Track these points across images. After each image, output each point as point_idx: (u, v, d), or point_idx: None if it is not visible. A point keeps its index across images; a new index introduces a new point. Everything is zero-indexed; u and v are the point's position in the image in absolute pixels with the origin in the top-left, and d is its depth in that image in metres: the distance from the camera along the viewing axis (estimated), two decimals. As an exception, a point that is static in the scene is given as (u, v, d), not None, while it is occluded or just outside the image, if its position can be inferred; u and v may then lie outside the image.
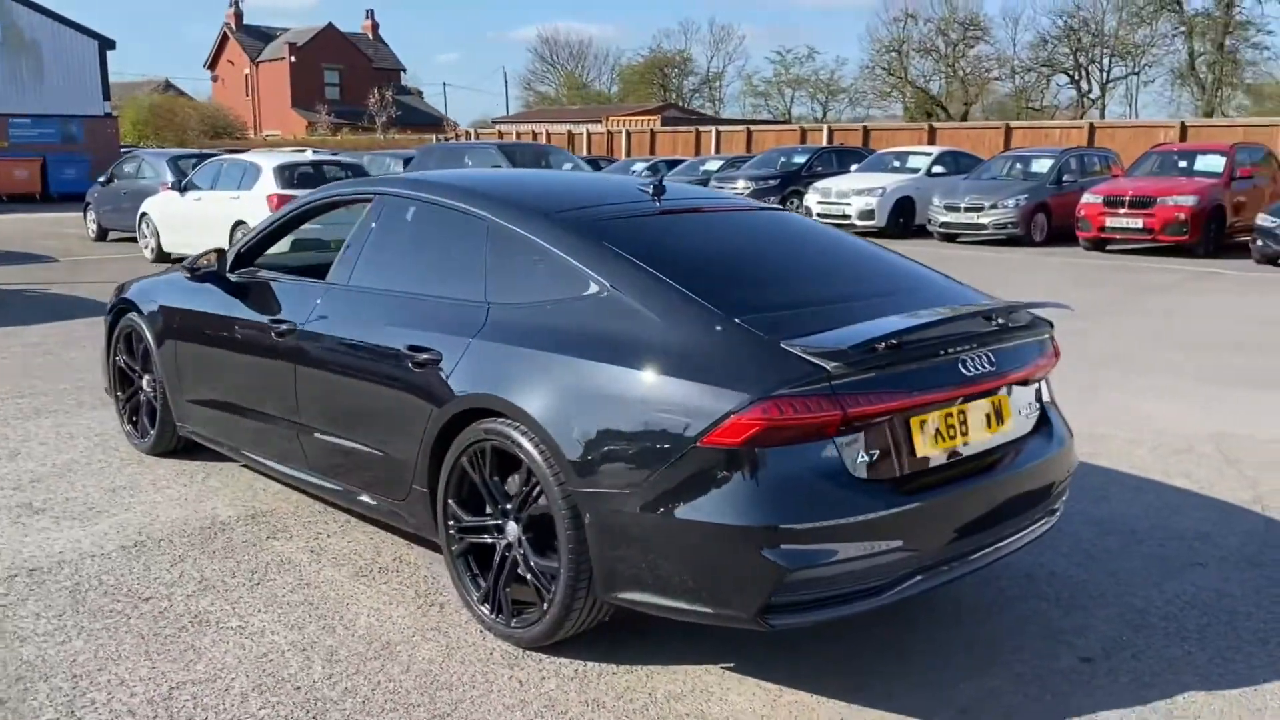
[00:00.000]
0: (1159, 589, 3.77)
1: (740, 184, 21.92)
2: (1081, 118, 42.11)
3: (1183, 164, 17.84)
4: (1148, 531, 4.33)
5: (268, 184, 12.08)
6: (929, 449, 3.00)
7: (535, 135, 36.39)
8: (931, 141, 25.71)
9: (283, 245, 5.20)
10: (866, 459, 2.86)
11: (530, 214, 3.60)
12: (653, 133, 32.72)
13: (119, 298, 5.42)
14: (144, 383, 5.34)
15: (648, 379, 2.94)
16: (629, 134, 33.41)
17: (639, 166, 26.18)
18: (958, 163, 21.46)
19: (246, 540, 4.21)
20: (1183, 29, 40.40)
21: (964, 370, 3.06)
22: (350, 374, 3.87)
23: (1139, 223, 16.35)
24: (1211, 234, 16.45)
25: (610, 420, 2.97)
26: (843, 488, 2.80)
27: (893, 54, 45.88)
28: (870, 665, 3.19)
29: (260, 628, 3.45)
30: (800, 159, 23.11)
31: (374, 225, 4.08)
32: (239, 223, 12.43)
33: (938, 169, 20.86)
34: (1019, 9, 78.81)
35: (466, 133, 39.36)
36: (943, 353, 3.02)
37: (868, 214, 19.56)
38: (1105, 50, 42.56)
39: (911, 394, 2.92)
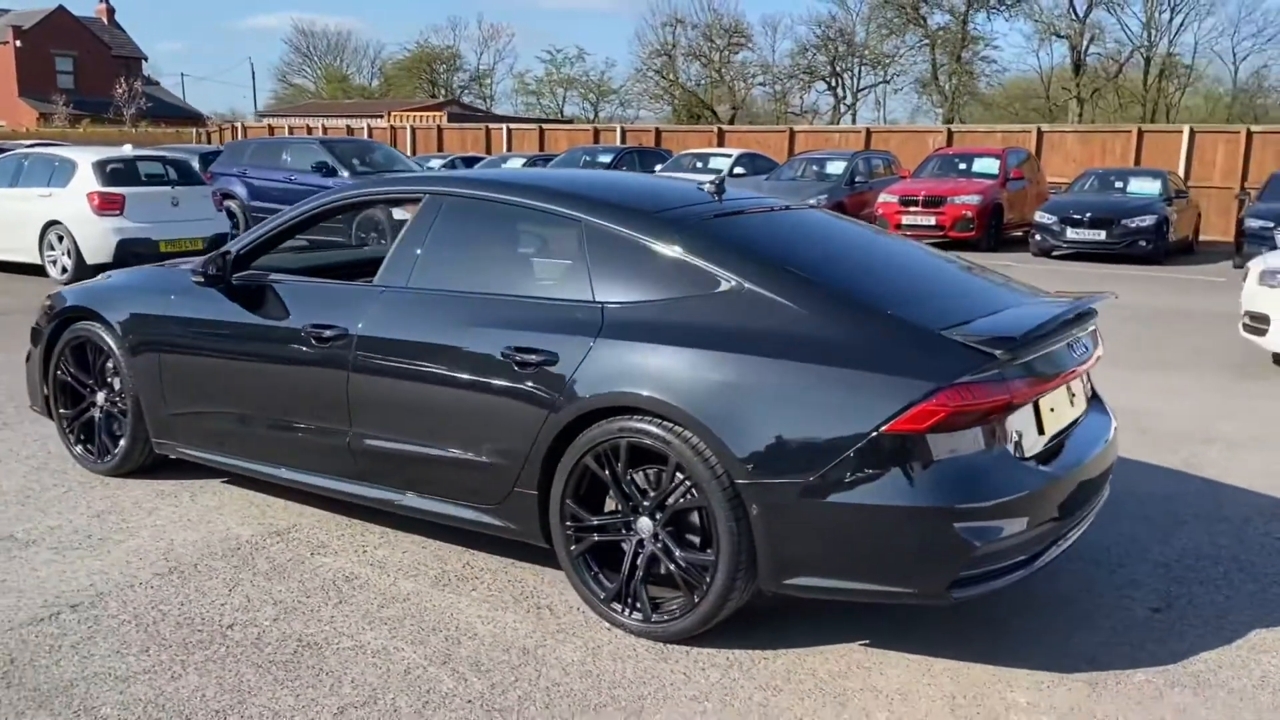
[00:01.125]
0: (1167, 545, 4.25)
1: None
2: (838, 122, 44.95)
3: (962, 166, 19.52)
4: (1122, 498, 4.84)
5: (87, 181, 11.07)
6: (1050, 428, 3.30)
7: (310, 129, 34.89)
8: (720, 144, 26.70)
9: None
10: (1016, 438, 3.12)
11: (630, 215, 3.63)
12: (440, 129, 32.14)
13: (63, 306, 4.93)
14: (99, 398, 4.89)
15: (813, 371, 3.07)
16: (414, 130, 32.68)
17: (435, 164, 25.70)
18: (755, 164, 22.46)
19: (291, 559, 3.99)
20: (926, 41, 43.90)
21: (1071, 355, 3.38)
22: (427, 379, 3.75)
23: (932, 220, 17.75)
24: (993, 230, 18.09)
25: (779, 412, 3.07)
26: (1008, 466, 3.04)
27: (664, 58, 47.21)
28: (987, 631, 3.45)
29: (381, 645, 3.31)
30: (605, 158, 23.39)
31: (433, 226, 3.96)
32: (51, 223, 11.33)
33: (739, 170, 21.72)
34: (778, 17, 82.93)
35: (234, 127, 37.15)
36: (1061, 340, 3.32)
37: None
38: (858, 59, 45.59)
39: (1046, 378, 3.20)
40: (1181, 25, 44.37)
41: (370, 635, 3.38)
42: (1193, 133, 22.58)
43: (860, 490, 2.98)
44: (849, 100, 46.50)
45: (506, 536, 3.75)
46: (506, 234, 3.92)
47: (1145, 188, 17.82)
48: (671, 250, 3.47)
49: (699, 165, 22.17)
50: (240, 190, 15.15)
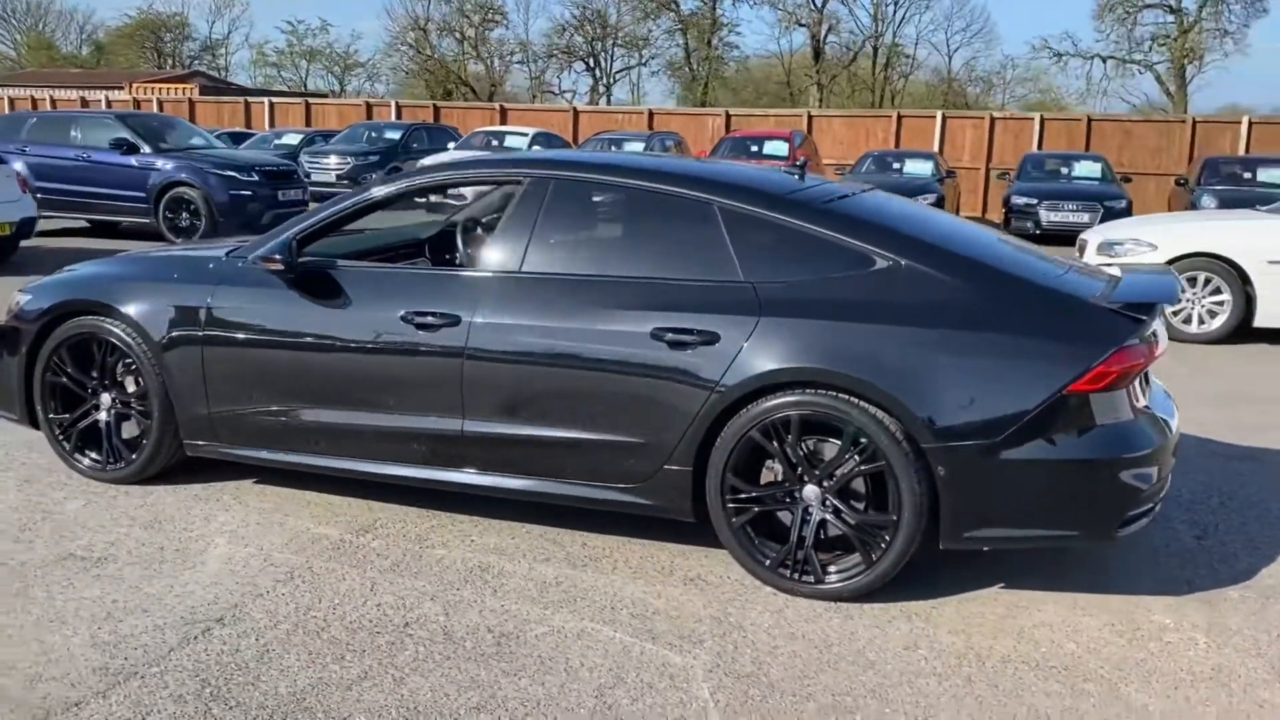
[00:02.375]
0: (1182, 485, 4.81)
1: (333, 159, 21.23)
2: (596, 103, 45.56)
3: (754, 149, 20.47)
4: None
5: None
6: (1147, 392, 3.75)
7: (36, 102, 31.56)
8: (503, 122, 26.55)
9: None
10: (1140, 398, 3.55)
11: (766, 198, 3.77)
12: (192, 102, 29.94)
13: (53, 302, 4.44)
14: (104, 400, 4.47)
15: (989, 339, 3.36)
16: (160, 103, 30.26)
17: (197, 141, 24.00)
18: (550, 143, 22.56)
19: (405, 554, 3.86)
20: (680, 26, 45.32)
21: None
22: (561, 364, 3.74)
23: (735, 199, 18.54)
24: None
25: (961, 380, 3.34)
26: (1147, 421, 3.47)
27: (417, 32, 46.08)
28: (1085, 569, 3.88)
29: (577, 628, 3.33)
30: (394, 135, 22.76)
31: (542, 209, 3.92)
32: None
33: (536, 148, 21.77)
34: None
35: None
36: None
37: (479, 191, 19.92)
38: (613, 41, 46.39)
39: (1158, 342, 3.65)
40: (904, 18, 48.20)
41: (558, 619, 3.38)
42: (945, 118, 24.77)
43: (1042, 447, 3.31)
44: (607, 82, 47.29)
45: (646, 514, 3.82)
46: (628, 216, 3.95)
47: (919, 169, 19.45)
48: (819, 230, 3.65)
49: (495, 144, 22.05)
50: (20, 168, 13.61)
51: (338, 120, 28.04)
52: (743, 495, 3.61)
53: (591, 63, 46.60)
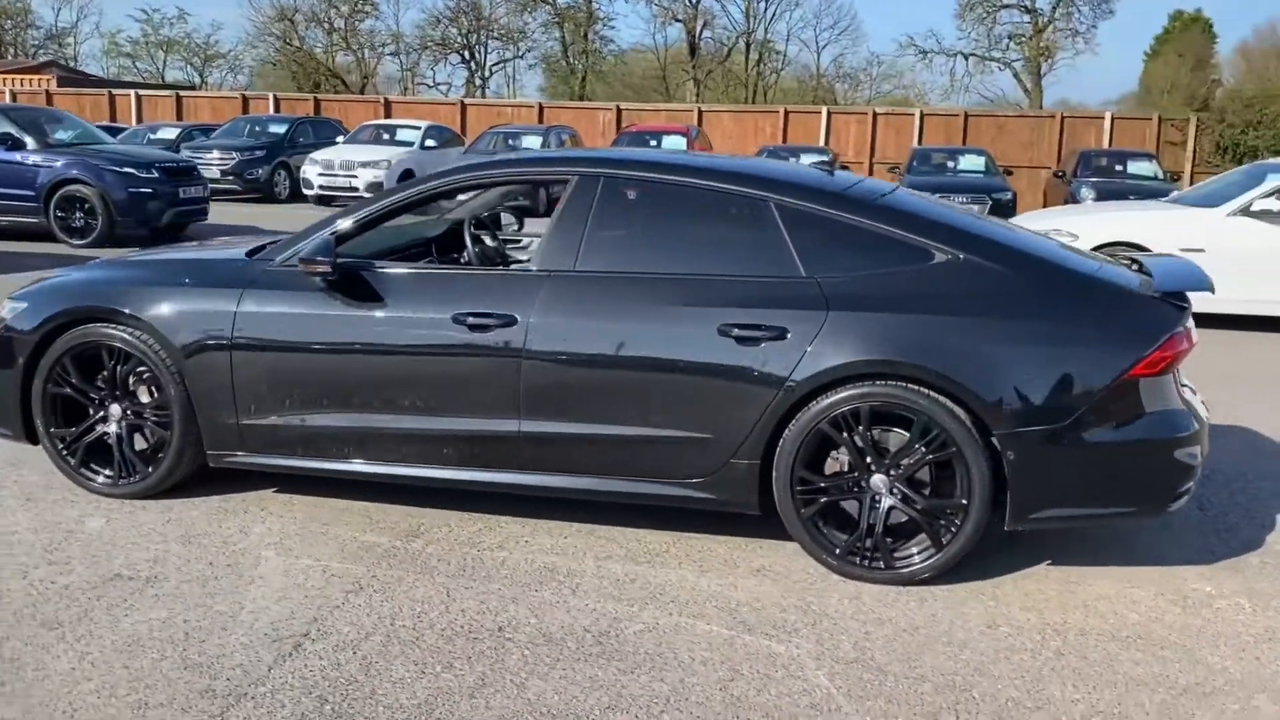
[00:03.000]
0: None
1: (216, 154, 20.44)
2: (473, 95, 45.05)
3: (653, 143, 20.66)
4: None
5: None
6: (1176, 374, 4.00)
7: None
8: (388, 115, 25.96)
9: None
10: (1181, 380, 3.78)
11: (821, 195, 3.86)
12: (49, 94, 28.28)
13: (56, 309, 4.20)
14: (113, 411, 4.25)
15: (1050, 328, 3.53)
16: (14, 94, 28.52)
17: (63, 135, 22.74)
18: (442, 136, 22.27)
19: (467, 558, 3.81)
20: (556, 19, 45.17)
21: None
22: (624, 363, 3.75)
23: (638, 193, 18.65)
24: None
25: (1028, 368, 3.49)
26: (1187, 405, 3.69)
27: (284, 22, 44.59)
28: (1112, 545, 4.11)
29: (671, 623, 3.35)
30: (278, 129, 22.06)
31: (593, 208, 3.91)
32: None
33: (430, 142, 21.44)
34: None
35: None
36: None
37: (376, 186, 19.48)
38: (488, 34, 45.91)
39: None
40: (775, 15, 49.18)
41: (647, 616, 3.40)
42: (830, 114, 25.43)
43: (1105, 429, 3.50)
44: (483, 75, 46.77)
45: (708, 509, 3.87)
46: (681, 214, 3.97)
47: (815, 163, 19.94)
48: (877, 226, 3.75)
49: (386, 137, 21.62)
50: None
51: (210, 114, 27.00)
52: (812, 486, 3.69)
53: (467, 55, 46.00)
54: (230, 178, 20.02)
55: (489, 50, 46.97)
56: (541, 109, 26.18)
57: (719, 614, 3.43)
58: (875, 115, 25.12)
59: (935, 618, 3.44)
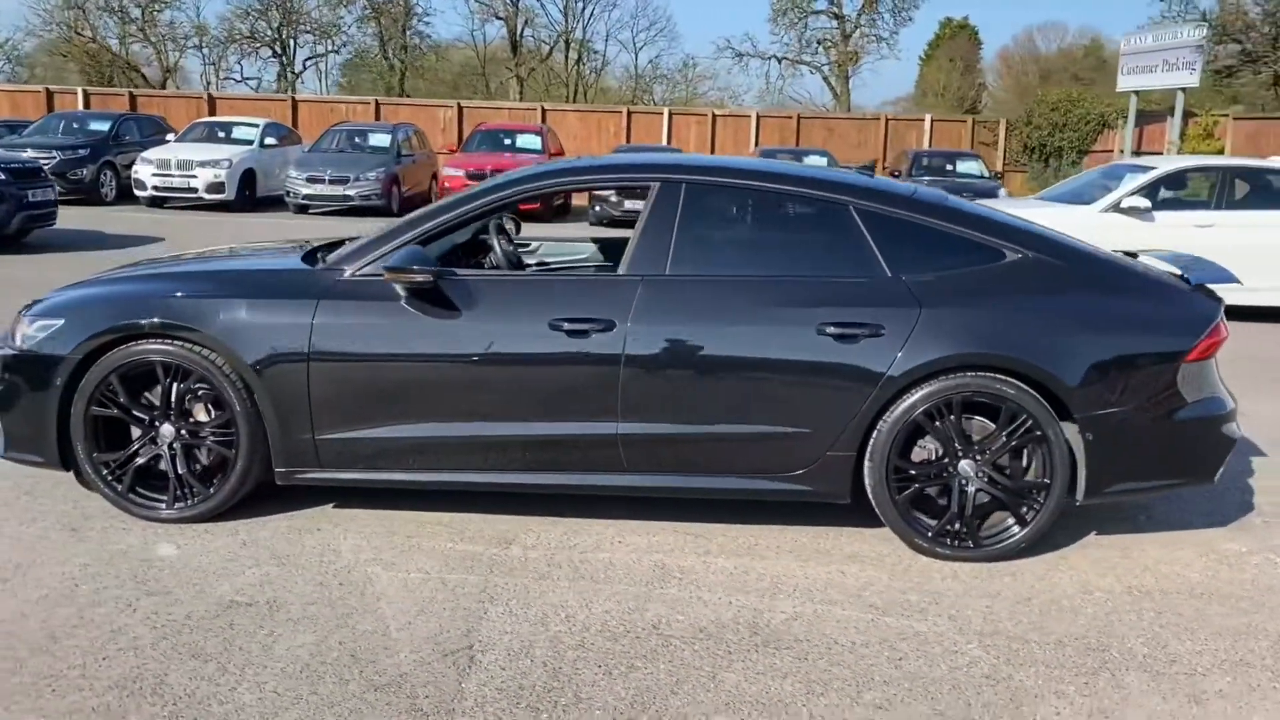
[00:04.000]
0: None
1: (31, 154, 18.93)
2: (286, 91, 43.32)
3: (508, 141, 20.58)
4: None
5: None
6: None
7: None
8: (212, 112, 24.71)
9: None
10: (1207, 364, 4.24)
11: (894, 198, 4.10)
12: None
13: (106, 324, 3.93)
14: (164, 432, 4.03)
15: (1119, 320, 3.89)
16: None
17: None
18: (279, 133, 21.41)
19: (578, 562, 3.84)
20: (371, 13, 43.95)
21: None
22: (725, 363, 3.86)
23: (500, 193, 18.55)
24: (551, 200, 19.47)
25: (1102, 355, 3.83)
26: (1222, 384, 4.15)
27: (75, 11, 41.46)
28: (1132, 510, 4.55)
29: (811, 611, 3.51)
30: (101, 126, 20.61)
31: (679, 213, 4.00)
32: None
33: (270, 140, 20.59)
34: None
35: None
36: None
37: (217, 187, 18.63)
38: (301, 27, 44.21)
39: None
40: (593, 15, 49.57)
41: (781, 605, 3.55)
42: (671, 114, 25.98)
43: (1167, 409, 3.89)
44: (294, 70, 44.99)
45: (801, 500, 4.05)
46: (765, 218, 4.11)
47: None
48: (951, 227, 4.02)
49: (221, 135, 20.60)
50: None
51: (9, 109, 24.96)
52: (904, 474, 3.92)
53: (279, 49, 44.16)
54: (53, 177, 18.57)
55: (301, 45, 45.26)
56: (378, 106, 25.55)
57: (846, 600, 3.61)
58: (715, 117, 25.85)
59: (1036, 588, 3.74)
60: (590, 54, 51.09)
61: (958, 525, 3.93)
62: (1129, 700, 3.00)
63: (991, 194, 16.78)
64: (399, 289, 3.91)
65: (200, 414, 4.05)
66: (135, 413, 4.02)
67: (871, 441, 3.90)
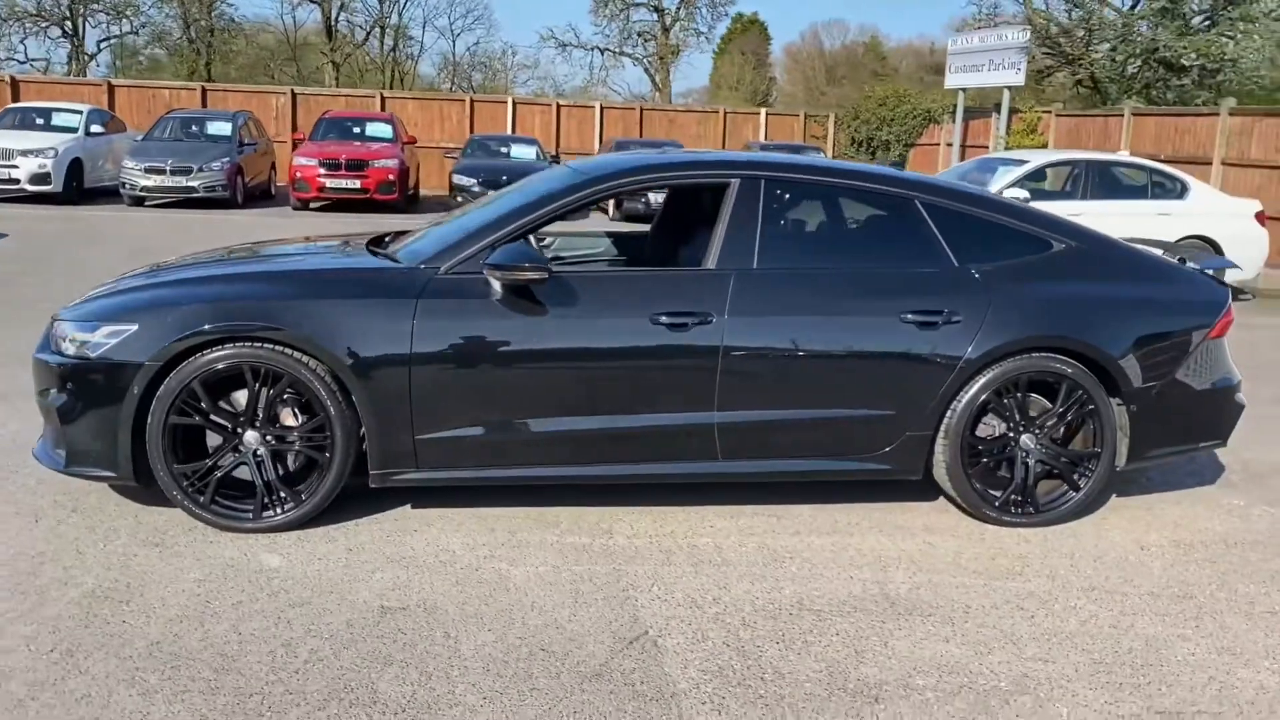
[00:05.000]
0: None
1: None
2: (82, 74, 40.34)
3: (357, 130, 19.97)
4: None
5: None
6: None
7: None
8: (15, 98, 22.80)
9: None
10: (1209, 339, 4.76)
11: (951, 193, 4.40)
12: None
13: (188, 330, 3.74)
14: (248, 439, 3.88)
15: (1153, 304, 4.33)
16: None
17: None
18: (103, 119, 20.03)
19: (686, 546, 3.96)
20: (172, -7, 41.44)
21: None
22: (817, 353, 4.06)
23: (357, 184, 18.08)
24: (409, 190, 19.11)
25: (1144, 335, 4.26)
26: (1229, 359, 4.68)
27: None
28: (1140, 475, 5.05)
29: (938, 580, 3.77)
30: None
31: (761, 209, 4.16)
32: None
33: (95, 128, 19.23)
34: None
35: None
36: None
37: (42, 178, 17.29)
38: (96, 5, 41.14)
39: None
40: (409, 1, 48.37)
41: (901, 576, 3.79)
42: (515, 104, 25.84)
43: (1195, 381, 4.36)
44: (85, 52, 41.85)
45: (879, 479, 4.30)
46: (839, 212, 4.32)
47: (524, 152, 20.35)
48: (1004, 219, 4.36)
49: (40, 122, 19.09)
50: None
51: None
52: (974, 450, 4.24)
53: (69, 28, 40.95)
54: None
55: (94, 24, 42.16)
56: (205, 92, 24.21)
57: (949, 568, 3.89)
58: (559, 107, 25.88)
59: (1100, 547, 4.14)
60: (406, 40, 50.01)
61: (1020, 494, 4.28)
62: (1240, 638, 3.40)
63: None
64: (495, 286, 3.90)
65: (288, 419, 3.92)
66: (218, 420, 3.85)
67: (945, 421, 4.19)
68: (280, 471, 3.96)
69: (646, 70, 47.08)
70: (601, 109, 26.06)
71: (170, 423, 3.79)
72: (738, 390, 4.05)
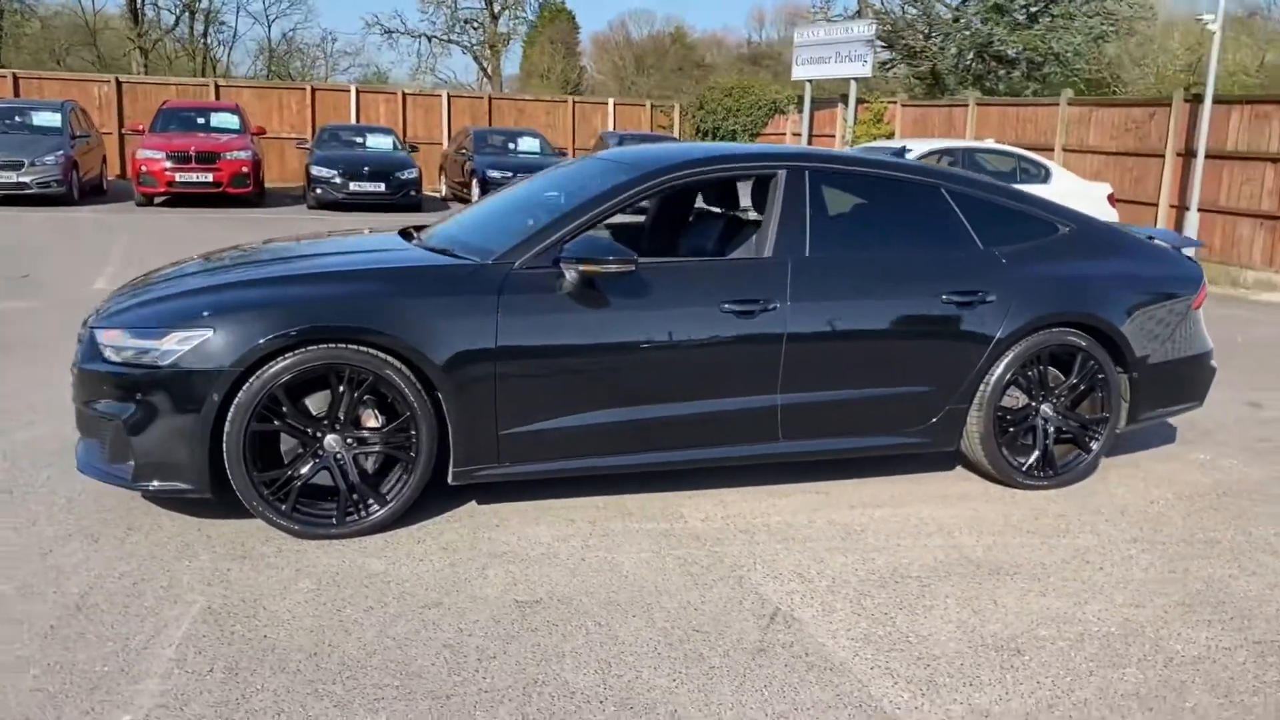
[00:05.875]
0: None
1: None
2: None
3: (201, 121, 18.98)
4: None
5: None
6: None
7: None
8: None
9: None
10: (1174, 310, 5.26)
11: (970, 181, 4.71)
12: None
13: (275, 333, 3.61)
14: (329, 443, 3.79)
15: (1149, 280, 4.77)
16: None
17: None
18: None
19: (758, 526, 4.11)
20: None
21: None
22: (869, 334, 4.29)
23: (209, 177, 17.22)
24: (262, 184, 18.35)
25: (1142, 308, 4.69)
26: (1198, 322, 5.18)
27: None
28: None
29: (1004, 541, 4.06)
30: None
31: (808, 199, 4.34)
32: None
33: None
34: None
35: None
36: None
37: None
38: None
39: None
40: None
41: (967, 540, 4.06)
42: (359, 92, 25.13)
43: (1183, 349, 4.84)
44: None
45: (918, 452, 4.58)
46: (878, 200, 4.54)
47: (381, 142, 19.86)
48: (1016, 205, 4.71)
49: None
50: None
51: None
52: (1003, 420, 4.57)
53: None
54: None
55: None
56: (17, 80, 22.41)
57: (1005, 530, 4.19)
58: (405, 96, 25.32)
59: (1118, 503, 4.54)
60: (218, 25, 47.63)
61: (1042, 459, 4.64)
62: (1280, 574, 3.84)
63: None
64: (569, 278, 3.93)
65: (369, 420, 3.84)
66: (299, 425, 3.74)
67: (978, 394, 4.50)
68: (358, 476, 3.87)
69: (476, 58, 46.54)
70: (449, 98, 25.64)
71: (251, 431, 3.65)
72: (799, 372, 4.22)
